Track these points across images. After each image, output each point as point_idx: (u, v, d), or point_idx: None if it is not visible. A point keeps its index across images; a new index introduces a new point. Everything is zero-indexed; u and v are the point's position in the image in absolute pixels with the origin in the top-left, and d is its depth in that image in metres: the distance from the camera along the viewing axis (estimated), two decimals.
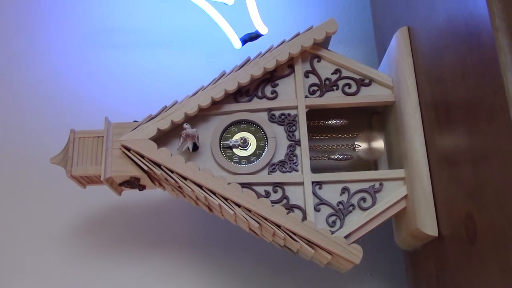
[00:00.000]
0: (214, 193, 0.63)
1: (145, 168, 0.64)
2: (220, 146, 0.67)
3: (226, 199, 0.63)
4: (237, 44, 0.84)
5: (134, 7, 1.00)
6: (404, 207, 0.65)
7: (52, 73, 0.96)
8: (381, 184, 0.65)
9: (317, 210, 0.64)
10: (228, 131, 0.68)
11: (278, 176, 0.65)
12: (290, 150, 0.67)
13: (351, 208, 0.64)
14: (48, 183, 0.88)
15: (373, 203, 0.65)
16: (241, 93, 0.69)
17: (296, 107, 0.68)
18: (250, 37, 0.84)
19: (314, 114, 0.70)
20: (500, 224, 0.45)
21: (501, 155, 0.44)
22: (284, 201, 0.64)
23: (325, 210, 0.64)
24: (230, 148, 0.67)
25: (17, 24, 1.00)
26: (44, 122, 0.93)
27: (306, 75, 0.70)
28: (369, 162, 0.75)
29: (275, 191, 0.65)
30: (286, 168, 0.66)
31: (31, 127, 0.93)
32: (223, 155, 0.67)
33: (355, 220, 0.64)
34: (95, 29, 0.99)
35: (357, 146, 0.72)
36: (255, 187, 0.65)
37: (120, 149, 0.66)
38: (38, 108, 0.94)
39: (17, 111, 0.94)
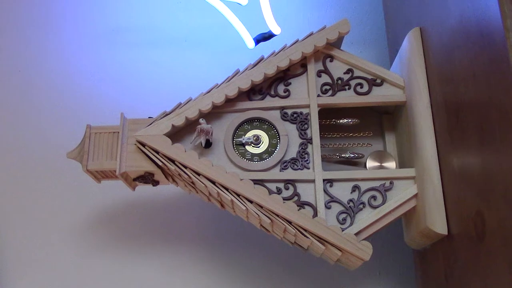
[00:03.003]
0: (226, 189, 0.64)
1: (160, 163, 0.66)
2: (233, 143, 0.68)
3: (238, 195, 0.64)
4: (251, 43, 0.85)
5: (149, 7, 1.02)
6: (414, 206, 0.65)
7: (68, 70, 0.98)
8: (391, 183, 0.66)
9: (327, 207, 0.65)
10: (241, 128, 0.69)
11: (289, 173, 0.66)
12: (302, 148, 0.67)
13: (361, 206, 0.65)
14: (63, 178, 0.90)
15: (383, 202, 0.65)
16: (254, 91, 0.70)
17: (308, 106, 0.69)
18: (263, 37, 0.85)
19: (326, 113, 0.71)
20: (509, 222, 0.46)
21: (510, 154, 0.45)
22: (296, 198, 0.65)
23: (336, 208, 0.65)
24: (243, 145, 0.68)
25: (34, 22, 1.02)
26: (60, 118, 0.94)
27: (319, 74, 0.70)
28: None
29: (287, 188, 0.66)
30: (297, 166, 0.67)
31: (47, 123, 0.94)
32: (236, 152, 0.68)
33: (365, 218, 0.64)
34: (110, 28, 1.01)
35: (368, 145, 0.72)
36: (267, 184, 0.66)
37: (135, 144, 0.67)
38: (54, 105, 0.96)
39: (33, 107, 0.96)
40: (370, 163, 0.71)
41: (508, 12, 0.45)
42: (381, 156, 0.72)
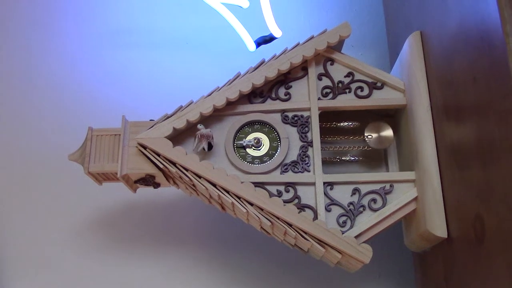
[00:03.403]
0: (227, 192, 0.65)
1: (161, 166, 0.66)
2: (234, 146, 0.69)
3: (239, 198, 0.64)
4: (251, 46, 0.86)
5: (151, 9, 1.02)
6: (414, 209, 0.66)
7: (70, 72, 0.98)
8: (391, 186, 0.66)
9: (328, 210, 0.65)
10: (242, 131, 0.70)
11: (290, 176, 0.67)
12: (303, 151, 0.68)
13: (361, 209, 0.65)
14: (64, 180, 0.90)
15: (384, 205, 0.65)
16: (255, 94, 0.70)
17: (309, 109, 0.69)
18: (264, 40, 0.86)
19: (326, 116, 0.71)
20: (508, 225, 0.46)
21: (510, 158, 0.45)
22: (296, 200, 0.65)
23: (336, 211, 0.65)
24: (244, 148, 0.69)
25: (36, 23, 1.02)
26: (62, 120, 0.95)
27: (319, 77, 0.71)
28: (380, 162, 0.75)
29: (287, 191, 0.66)
30: (298, 169, 0.67)
31: (48, 125, 0.95)
32: (236, 154, 0.68)
33: (365, 220, 0.65)
34: (112, 30, 1.01)
35: (368, 136, 0.73)
36: (267, 187, 0.66)
37: (137, 147, 0.67)
38: (56, 107, 0.96)
39: (35, 109, 0.96)
40: (369, 135, 0.72)
41: (508, 17, 0.45)
42: (378, 127, 0.72)
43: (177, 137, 0.69)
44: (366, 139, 0.72)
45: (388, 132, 0.72)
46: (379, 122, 0.73)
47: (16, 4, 1.04)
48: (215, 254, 0.86)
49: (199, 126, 0.67)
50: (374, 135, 0.72)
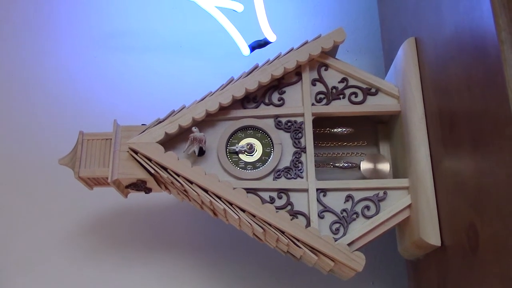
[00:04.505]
0: (219, 198, 0.64)
1: (152, 171, 0.65)
2: (226, 151, 0.68)
3: (231, 204, 0.64)
4: (246, 50, 0.85)
5: (145, 12, 1.02)
6: (408, 217, 0.65)
7: (63, 75, 0.98)
8: (385, 193, 0.66)
9: (321, 217, 0.65)
10: (234, 136, 0.69)
11: (283, 182, 0.66)
12: (296, 157, 0.67)
13: (354, 216, 0.65)
14: (55, 184, 0.89)
15: (377, 212, 0.65)
16: (249, 99, 0.70)
17: (302, 115, 0.69)
18: (259, 44, 0.85)
19: (320, 121, 0.71)
20: (502, 234, 0.45)
21: (504, 167, 0.45)
22: (289, 207, 0.65)
23: (329, 217, 0.65)
24: (236, 153, 0.68)
25: (29, 26, 1.02)
26: (53, 123, 0.94)
27: (313, 83, 0.70)
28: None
29: (280, 197, 0.65)
30: (291, 175, 0.67)
31: (40, 129, 0.94)
32: (229, 160, 0.67)
33: (359, 228, 0.64)
34: (105, 33, 1.01)
35: (362, 154, 0.72)
36: (260, 193, 0.65)
37: (128, 151, 0.67)
38: (48, 110, 0.95)
39: (27, 113, 0.95)
40: (364, 165, 0.71)
41: (503, 25, 0.45)
42: (375, 159, 0.72)
43: (169, 142, 0.68)
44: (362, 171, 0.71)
45: (385, 166, 0.71)
46: (377, 154, 0.72)
47: (9, 6, 1.03)
48: (208, 260, 0.85)
49: (193, 128, 0.66)
50: (370, 166, 0.71)
